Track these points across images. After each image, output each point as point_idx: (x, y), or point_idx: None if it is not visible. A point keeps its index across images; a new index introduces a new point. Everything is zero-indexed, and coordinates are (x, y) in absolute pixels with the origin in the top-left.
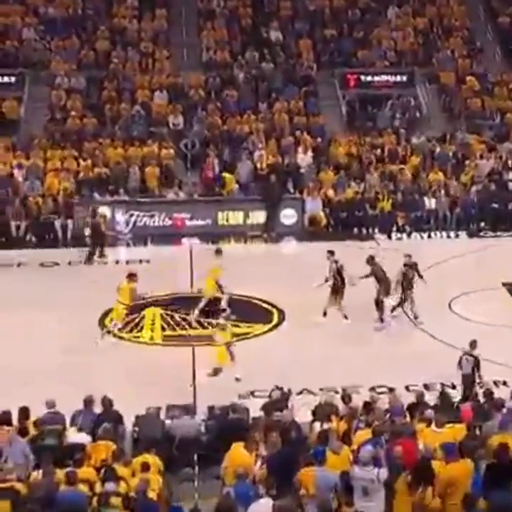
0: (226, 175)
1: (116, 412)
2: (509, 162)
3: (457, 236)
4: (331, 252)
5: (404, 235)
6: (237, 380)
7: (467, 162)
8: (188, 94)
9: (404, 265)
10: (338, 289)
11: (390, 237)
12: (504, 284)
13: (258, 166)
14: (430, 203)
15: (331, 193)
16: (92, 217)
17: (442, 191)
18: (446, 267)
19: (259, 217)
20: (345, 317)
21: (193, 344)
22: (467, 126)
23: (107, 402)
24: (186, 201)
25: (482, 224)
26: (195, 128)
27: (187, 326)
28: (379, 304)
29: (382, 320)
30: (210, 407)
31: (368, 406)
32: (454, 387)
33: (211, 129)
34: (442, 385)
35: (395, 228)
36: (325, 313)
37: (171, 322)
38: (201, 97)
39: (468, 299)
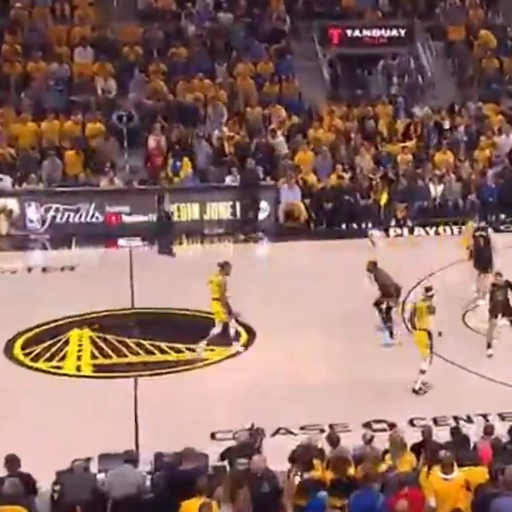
0: (184, 159)
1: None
2: None
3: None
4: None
5: (405, 231)
6: None
7: (482, 139)
8: (121, 51)
9: (493, 285)
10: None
11: (387, 233)
12: None
13: (218, 146)
14: (437, 190)
15: (311, 178)
16: None
17: (452, 176)
18: (457, 270)
19: (220, 210)
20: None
21: (136, 374)
22: (481, 93)
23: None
24: (123, 191)
25: (503, 216)
26: (132, 95)
27: (127, 352)
28: (388, 315)
29: (391, 334)
30: (158, 454)
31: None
32: (469, 420)
33: (153, 98)
34: (456, 418)
35: (393, 222)
36: None
37: (105, 347)
38: (139, 55)
39: (486, 311)
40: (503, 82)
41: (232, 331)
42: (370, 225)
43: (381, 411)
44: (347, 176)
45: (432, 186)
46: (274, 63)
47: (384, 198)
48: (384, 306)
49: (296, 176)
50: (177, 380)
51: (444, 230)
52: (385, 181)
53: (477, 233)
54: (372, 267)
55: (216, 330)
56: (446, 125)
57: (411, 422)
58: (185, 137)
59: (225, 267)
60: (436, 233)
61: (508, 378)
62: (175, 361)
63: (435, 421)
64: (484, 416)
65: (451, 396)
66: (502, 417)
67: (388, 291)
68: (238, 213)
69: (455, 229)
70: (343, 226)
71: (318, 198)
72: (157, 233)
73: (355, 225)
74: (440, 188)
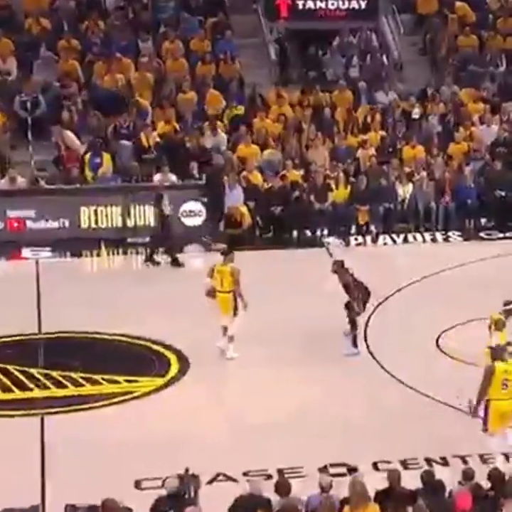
0: (104, 154)
1: None
2: None
3: (447, 239)
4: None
5: (368, 239)
6: None
7: (459, 130)
8: (22, 24)
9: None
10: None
11: (347, 242)
12: None
13: (145, 141)
14: (406, 190)
15: (256, 177)
16: None
17: (423, 173)
18: (431, 285)
19: (147, 215)
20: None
21: (43, 411)
22: (458, 76)
23: None
24: (27, 192)
25: (483, 221)
26: (38, 78)
27: (31, 385)
28: (354, 323)
29: (355, 345)
30: (70, 507)
31: None
32: (445, 463)
33: (64, 81)
34: (428, 461)
35: (353, 229)
36: None
37: (5, 379)
38: (45, 29)
39: (464, 333)
40: (483, 63)
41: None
42: (326, 232)
43: (341, 452)
44: (299, 174)
45: (399, 186)
46: (210, 40)
47: (342, 200)
48: (355, 311)
49: (238, 174)
50: (93, 417)
51: (414, 238)
52: (344, 180)
53: None
54: (339, 268)
55: (231, 330)
56: (416, 114)
57: (375, 466)
58: (104, 128)
59: (229, 255)
60: (405, 242)
61: None
62: (91, 395)
63: (404, 464)
64: (463, 458)
65: (422, 434)
66: (483, 459)
67: (352, 293)
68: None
69: (427, 237)
70: (294, 233)
71: (264, 200)
72: (156, 241)
73: (308, 232)
74: (409, 188)
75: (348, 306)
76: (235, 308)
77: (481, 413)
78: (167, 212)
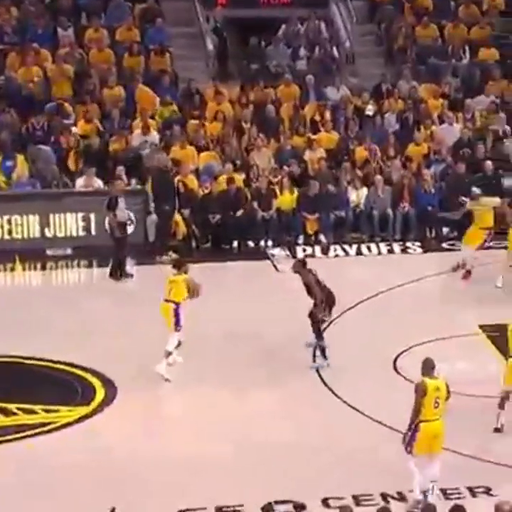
0: (18, 157)
1: None
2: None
3: (405, 249)
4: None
5: (318, 250)
6: None
7: (421, 130)
8: None
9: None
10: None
11: (294, 253)
12: (482, 328)
13: (65, 143)
14: (359, 196)
15: (192, 182)
16: None
17: (379, 177)
18: (387, 301)
19: (69, 225)
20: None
21: None
22: (416, 70)
23: None
24: None
25: (446, 230)
26: None
27: None
28: (318, 330)
29: (324, 356)
30: None
31: None
32: (401, 498)
33: None
34: (384, 496)
35: (301, 239)
36: None
37: None
38: None
39: (424, 353)
40: (444, 55)
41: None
42: (270, 243)
43: (286, 488)
44: (240, 178)
45: (351, 192)
46: (139, 29)
47: (288, 207)
48: (319, 317)
49: (172, 178)
50: (6, 451)
51: (369, 249)
52: (290, 185)
53: None
54: (300, 267)
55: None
56: (370, 111)
57: (325, 502)
58: (18, 127)
59: (182, 267)
60: (359, 253)
61: (457, 445)
62: (4, 427)
63: (356, 500)
64: (424, 493)
65: (377, 467)
66: (444, 493)
67: (314, 295)
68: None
69: (383, 247)
70: (235, 244)
71: (201, 207)
72: (119, 251)
73: (251, 243)
74: (363, 193)
75: (311, 315)
76: (176, 323)
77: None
78: (123, 219)
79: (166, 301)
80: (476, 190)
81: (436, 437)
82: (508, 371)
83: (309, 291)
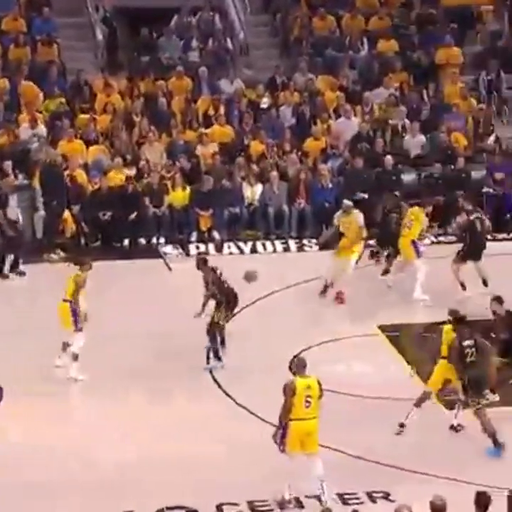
0: None
1: None
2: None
3: (301, 247)
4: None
5: (211, 248)
6: None
7: (317, 124)
8: None
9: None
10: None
11: (186, 251)
12: (382, 328)
13: None
14: (254, 192)
15: (81, 177)
16: None
17: (274, 173)
18: (283, 300)
19: None
20: None
21: None
22: (313, 62)
23: None
24: None
25: None
26: None
27: None
28: (213, 333)
29: (218, 358)
30: None
31: None
32: (299, 505)
33: None
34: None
35: (194, 236)
36: None
37: None
38: None
39: (322, 353)
40: (342, 46)
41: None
42: (162, 240)
43: (181, 493)
44: (130, 173)
45: (246, 187)
46: (25, 19)
47: (181, 204)
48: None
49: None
50: None
51: (264, 247)
52: (182, 181)
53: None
54: (202, 264)
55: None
56: (265, 104)
57: (219, 509)
58: None
59: (84, 265)
60: (253, 251)
61: (355, 448)
62: None
63: (251, 506)
64: (318, 497)
65: (273, 472)
66: (342, 497)
67: (213, 294)
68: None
69: (279, 245)
70: (126, 242)
71: (90, 203)
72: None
73: (142, 241)
74: (258, 189)
75: (211, 319)
76: (75, 322)
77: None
78: (14, 217)
79: (64, 300)
80: (347, 202)
81: (309, 435)
82: (436, 373)
83: (206, 288)
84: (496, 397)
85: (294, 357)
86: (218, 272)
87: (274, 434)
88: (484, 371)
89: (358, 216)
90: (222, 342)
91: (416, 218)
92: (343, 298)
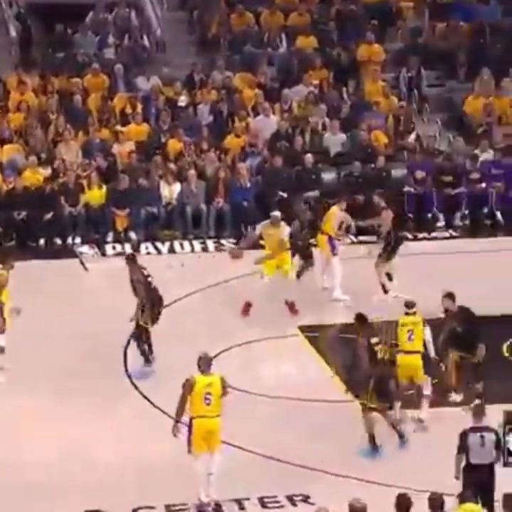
0: None
1: None
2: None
3: (219, 247)
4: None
5: (128, 248)
6: None
7: (235, 121)
8: None
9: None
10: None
11: (102, 251)
12: (302, 329)
13: None
14: (171, 191)
15: None
16: None
17: (192, 172)
18: (201, 300)
19: None
20: None
21: None
22: (231, 59)
23: None
24: None
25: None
26: None
27: None
28: (141, 336)
29: (147, 360)
30: None
31: None
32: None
33: None
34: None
35: (110, 236)
36: None
37: None
38: None
39: (242, 354)
40: (260, 43)
41: None
42: (78, 240)
43: (98, 499)
44: (46, 172)
45: (163, 186)
46: None
47: (97, 203)
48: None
49: None
50: None
51: (182, 247)
52: (98, 180)
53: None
54: (130, 263)
55: None
56: (183, 102)
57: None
58: None
59: (6, 264)
60: (171, 251)
61: (275, 451)
62: None
63: (168, 508)
64: (238, 501)
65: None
66: (262, 501)
67: (138, 294)
68: None
69: (197, 245)
70: (42, 241)
71: (5, 203)
72: None
73: (58, 240)
74: (176, 188)
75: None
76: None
77: (185, 432)
78: None
79: None
80: (276, 214)
81: (212, 434)
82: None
83: (134, 290)
84: (459, 397)
85: (200, 356)
86: (145, 271)
87: (173, 427)
88: (389, 371)
89: (284, 229)
90: (150, 346)
91: (332, 216)
92: (249, 311)
